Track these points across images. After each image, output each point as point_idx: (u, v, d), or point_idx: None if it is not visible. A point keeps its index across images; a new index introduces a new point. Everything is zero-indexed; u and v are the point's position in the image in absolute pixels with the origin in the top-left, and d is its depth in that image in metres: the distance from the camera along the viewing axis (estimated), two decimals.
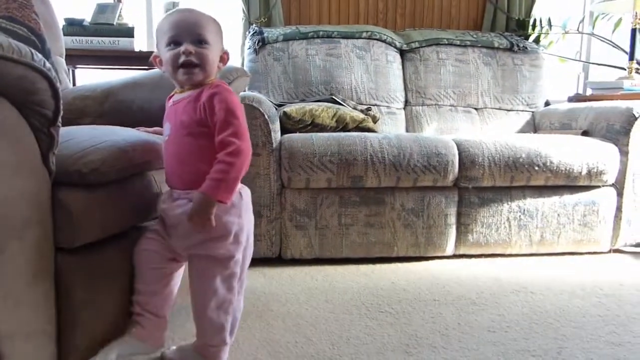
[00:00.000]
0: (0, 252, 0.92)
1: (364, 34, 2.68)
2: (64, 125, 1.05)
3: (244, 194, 1.13)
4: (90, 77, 2.88)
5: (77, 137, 1.18)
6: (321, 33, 2.65)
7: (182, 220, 1.05)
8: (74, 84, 2.80)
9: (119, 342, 1.11)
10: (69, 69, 2.74)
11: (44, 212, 1.00)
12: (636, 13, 2.69)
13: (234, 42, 2.91)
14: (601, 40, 3.15)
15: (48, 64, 0.97)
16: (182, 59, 1.06)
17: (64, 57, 1.99)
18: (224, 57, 1.15)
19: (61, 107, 1.00)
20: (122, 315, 1.17)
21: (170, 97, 1.17)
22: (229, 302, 1.12)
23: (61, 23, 2.48)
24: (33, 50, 0.94)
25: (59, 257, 1.03)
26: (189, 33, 1.07)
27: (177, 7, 2.61)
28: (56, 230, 1.02)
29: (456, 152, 1.96)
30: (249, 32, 2.71)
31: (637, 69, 2.98)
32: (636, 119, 2.04)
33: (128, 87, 1.75)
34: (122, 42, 2.52)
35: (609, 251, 2.14)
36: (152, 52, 1.72)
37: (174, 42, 1.07)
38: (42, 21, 1.76)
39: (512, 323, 1.46)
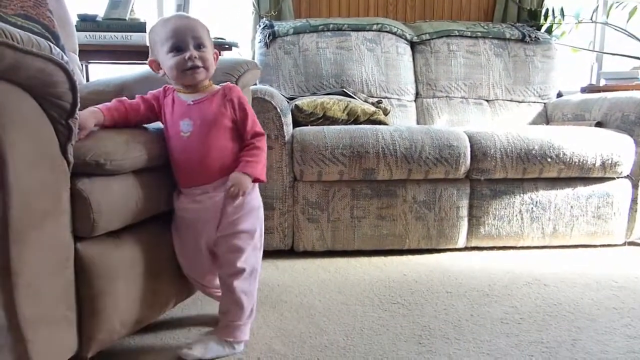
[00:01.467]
0: (21, 242, 0.94)
1: (374, 27, 2.67)
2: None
3: None
4: (104, 72, 2.90)
5: (94, 130, 1.19)
6: (331, 26, 2.65)
7: (217, 208, 1.19)
8: (87, 79, 2.83)
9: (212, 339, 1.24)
10: (82, 65, 2.76)
11: (63, 203, 1.02)
12: None
13: (244, 36, 2.92)
14: (615, 29, 3.11)
15: (66, 57, 0.99)
16: (189, 64, 1.17)
17: (77, 53, 2.00)
18: (216, 56, 1.27)
19: (78, 99, 1.01)
20: (140, 303, 1.19)
21: (170, 96, 1.24)
22: (257, 272, 1.26)
23: (74, 19, 2.50)
24: (51, 44, 0.95)
25: (78, 247, 1.05)
26: (189, 39, 1.18)
27: (187, 3, 2.62)
28: (75, 220, 1.04)
29: (468, 144, 1.96)
30: (260, 26, 2.71)
31: None
32: None
33: (140, 82, 1.75)
34: (134, 37, 2.53)
35: (624, 244, 2.13)
36: None
37: (177, 49, 1.18)
38: (56, 18, 1.78)
39: (525, 315, 1.46)
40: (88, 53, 2.53)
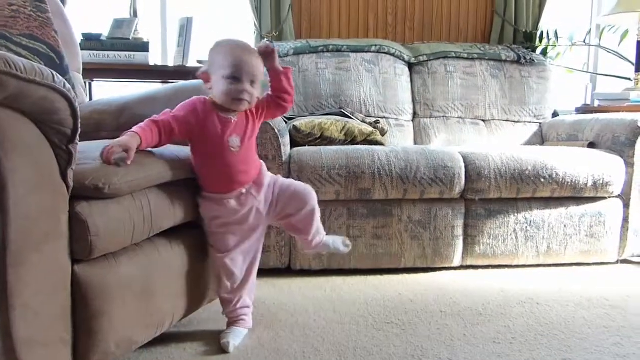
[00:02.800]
0: (20, 265, 0.97)
1: (373, 48, 2.72)
2: (81, 139, 1.10)
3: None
4: (107, 90, 2.95)
5: (95, 152, 1.23)
6: (331, 47, 2.70)
7: (267, 197, 1.43)
8: (90, 98, 2.88)
9: (233, 332, 1.42)
10: (86, 83, 2.82)
11: (62, 226, 1.05)
12: None
13: None
14: (608, 51, 3.17)
15: (68, 85, 1.03)
16: (241, 96, 1.30)
17: (81, 72, 2.05)
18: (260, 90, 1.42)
19: (79, 125, 1.05)
20: (136, 324, 1.21)
21: (212, 113, 1.35)
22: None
23: (79, 38, 2.56)
24: (54, 73, 0.99)
25: (75, 269, 1.08)
26: (247, 74, 1.30)
27: (190, 23, 2.68)
28: (73, 243, 1.07)
29: (462, 164, 1.99)
30: None
31: None
32: None
33: (143, 102, 1.80)
34: (137, 57, 2.59)
35: (617, 262, 2.15)
36: (166, 66, 1.90)
37: (234, 78, 1.29)
38: (61, 38, 1.83)
39: (518, 334, 1.48)
40: (92, 71, 2.58)
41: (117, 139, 1.22)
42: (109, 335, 1.14)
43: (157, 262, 1.27)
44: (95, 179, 1.10)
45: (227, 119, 1.33)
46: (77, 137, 1.06)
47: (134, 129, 1.27)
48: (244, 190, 1.38)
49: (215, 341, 1.41)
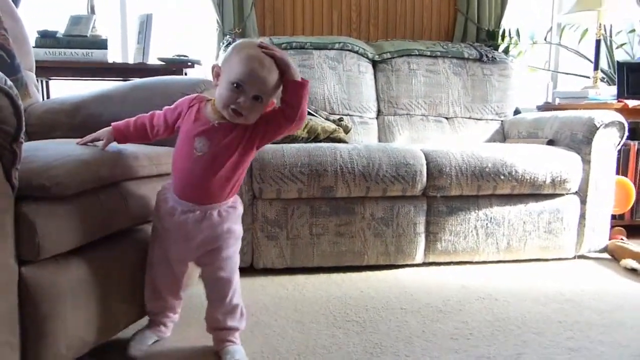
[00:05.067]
0: None
1: (337, 45, 2.72)
2: (35, 138, 1.07)
3: (240, 207, 1.33)
4: (65, 88, 2.87)
5: (43, 151, 1.19)
6: (294, 44, 2.68)
7: (207, 232, 1.24)
8: (48, 96, 2.80)
9: (144, 333, 1.37)
10: (43, 81, 2.74)
11: (7, 227, 1.01)
12: (600, 24, 2.78)
13: (208, 52, 2.93)
14: (568, 50, 3.24)
15: (9, 82, 0.99)
16: (236, 106, 1.16)
17: (34, 70, 1.99)
18: (269, 105, 1.22)
19: (23, 123, 1.01)
20: (88, 326, 1.18)
21: (196, 106, 1.26)
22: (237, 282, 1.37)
23: (34, 35, 2.48)
24: None
25: (23, 270, 1.04)
26: (253, 86, 1.15)
27: (150, 19, 2.62)
28: (20, 244, 1.04)
29: (424, 162, 2.01)
30: (223, 43, 2.73)
31: (602, 77, 3.07)
32: (597, 128, 2.11)
33: (98, 101, 1.76)
34: (95, 54, 2.52)
35: (574, 257, 2.20)
36: (126, 64, 1.81)
37: (238, 86, 1.15)
38: (11, 36, 1.77)
39: (475, 330, 1.50)
40: (49, 69, 2.51)
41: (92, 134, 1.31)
42: (59, 338, 1.10)
43: (110, 263, 1.24)
44: (42, 178, 1.07)
45: (208, 120, 1.21)
46: (22, 136, 1.02)
47: (118, 123, 1.31)
48: (189, 207, 1.23)
49: (170, 343, 1.38)
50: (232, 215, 1.27)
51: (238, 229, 1.30)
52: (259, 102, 1.17)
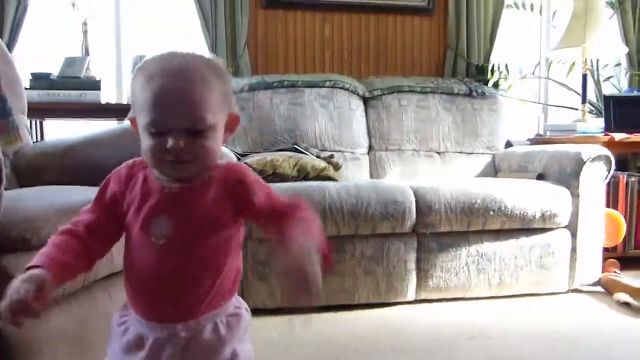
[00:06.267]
0: None
1: (327, 83, 2.76)
2: (25, 180, 1.07)
3: (246, 315, 0.85)
4: (60, 129, 2.91)
5: (25, 201, 1.20)
6: (286, 82, 2.72)
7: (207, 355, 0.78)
8: (42, 136, 2.82)
9: None
10: (36, 122, 2.77)
11: None
12: (585, 59, 2.83)
13: None
14: (557, 83, 3.29)
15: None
16: (169, 157, 0.73)
17: (25, 113, 2.02)
18: (231, 124, 0.81)
19: (4, 178, 1.03)
20: None
21: (140, 174, 0.80)
22: None
23: (27, 77, 2.53)
24: None
25: (1, 325, 1.04)
26: (178, 119, 0.72)
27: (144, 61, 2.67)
28: None
29: (413, 199, 2.01)
30: None
31: (591, 110, 3.11)
32: (584, 162, 2.13)
33: (87, 144, 1.78)
34: (88, 95, 2.56)
35: (567, 291, 2.19)
36: (120, 105, 1.60)
37: (155, 129, 0.72)
38: (4, 80, 1.80)
39: None
40: (43, 111, 2.54)
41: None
42: None
43: (92, 312, 1.24)
44: (22, 230, 1.08)
45: (160, 187, 0.78)
46: (2, 189, 1.03)
47: (38, 260, 0.73)
48: (177, 329, 0.77)
49: None
50: (235, 329, 0.80)
51: (246, 350, 0.81)
52: (204, 134, 0.73)
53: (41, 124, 2.84)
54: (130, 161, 0.84)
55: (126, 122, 1.88)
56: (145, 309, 0.79)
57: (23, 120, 1.99)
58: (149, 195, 0.78)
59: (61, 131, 2.86)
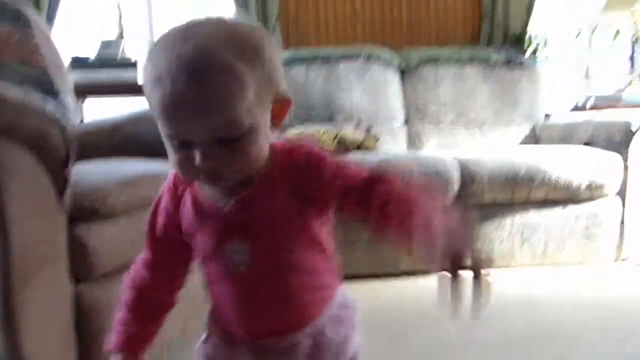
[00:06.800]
0: (23, 287, 0.98)
1: (362, 55, 2.74)
2: (76, 159, 1.12)
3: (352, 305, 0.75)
4: (101, 109, 2.97)
5: (89, 174, 1.24)
6: (320, 56, 2.71)
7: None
8: (82, 117, 2.89)
9: None
10: (77, 103, 2.83)
11: (60, 249, 1.06)
12: (635, 23, 2.73)
13: None
14: (601, 51, 3.19)
15: (59, 113, 1.05)
16: (202, 174, 0.58)
17: (72, 94, 2.06)
18: (280, 111, 0.61)
19: (72, 151, 1.06)
20: None
21: (187, 195, 0.66)
22: None
23: (67, 62, 2.58)
24: (44, 101, 1.01)
25: (77, 289, 1.10)
26: (200, 133, 0.55)
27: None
28: (74, 264, 1.09)
29: (456, 170, 2.00)
30: None
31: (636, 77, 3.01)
32: (634, 133, 2.07)
33: (134, 121, 1.82)
34: (125, 75, 2.61)
35: (614, 262, 2.16)
36: None
37: (175, 141, 0.57)
38: (49, 63, 1.84)
39: (513, 338, 1.49)
40: (82, 92, 2.60)
41: None
42: None
43: None
44: (91, 201, 1.12)
45: (216, 207, 0.64)
46: (71, 162, 1.07)
47: (118, 339, 0.71)
48: (279, 345, 0.67)
49: None
50: (348, 321, 0.72)
51: (357, 342, 0.73)
52: (238, 138, 0.56)
53: (81, 105, 2.91)
54: (169, 182, 0.69)
55: None
56: (244, 329, 0.68)
57: (70, 101, 2.04)
58: (207, 220, 0.64)
59: (101, 112, 2.93)
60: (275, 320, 0.67)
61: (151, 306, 0.72)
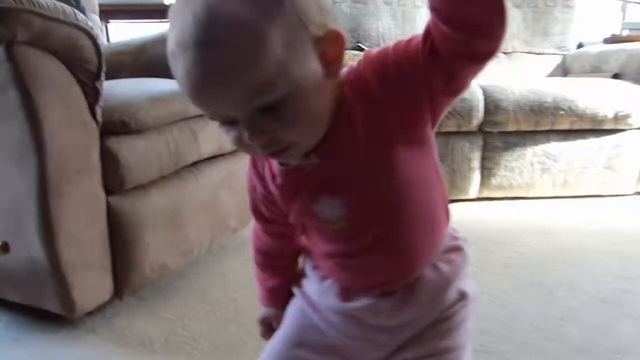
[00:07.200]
0: (59, 196, 1.05)
1: None
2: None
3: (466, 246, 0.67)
4: (124, 32, 2.97)
5: (119, 89, 1.28)
6: None
7: (418, 311, 0.62)
8: (107, 39, 2.90)
9: None
10: (102, 25, 2.83)
11: (94, 160, 1.12)
12: None
13: None
14: None
15: (90, 23, 1.06)
16: (258, 150, 0.52)
17: (97, 13, 2.07)
18: (330, 53, 0.50)
19: (104, 62, 1.09)
20: (166, 251, 1.30)
21: (266, 166, 0.62)
22: None
23: None
24: (76, 10, 1.02)
25: (110, 200, 1.16)
26: (231, 108, 0.48)
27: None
28: (106, 176, 1.14)
29: (481, 97, 1.98)
30: None
31: None
32: None
33: (160, 42, 1.82)
34: None
35: (634, 194, 2.16)
36: None
37: (220, 122, 0.52)
38: None
39: (528, 260, 1.53)
40: (107, 13, 2.59)
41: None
42: (143, 261, 1.23)
43: (184, 194, 1.35)
44: (121, 115, 1.16)
45: (296, 170, 0.58)
46: (103, 74, 1.10)
47: (261, 299, 0.76)
48: (391, 294, 0.62)
49: (240, 269, 1.50)
50: (458, 264, 0.64)
51: (472, 288, 0.66)
52: (279, 105, 0.47)
53: (106, 26, 2.91)
54: (249, 161, 0.65)
55: None
56: (358, 286, 0.63)
57: (96, 21, 2.05)
58: (293, 186, 0.59)
59: (125, 35, 2.93)
60: (386, 272, 0.61)
61: (278, 262, 0.73)
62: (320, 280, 0.66)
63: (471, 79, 0.52)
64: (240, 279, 1.44)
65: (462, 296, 0.63)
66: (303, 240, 0.69)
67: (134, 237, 1.21)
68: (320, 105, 0.51)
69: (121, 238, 1.19)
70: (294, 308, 0.69)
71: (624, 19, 3.14)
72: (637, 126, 2.07)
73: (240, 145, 0.51)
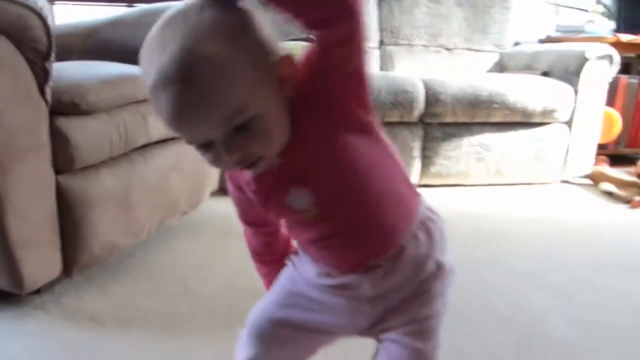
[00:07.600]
0: (8, 174, 1.07)
1: None
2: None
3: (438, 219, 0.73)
4: (69, 14, 2.90)
5: (69, 71, 1.29)
6: None
7: (399, 280, 0.67)
8: (53, 20, 2.83)
9: None
10: (49, 6, 2.76)
11: (42, 139, 1.14)
12: None
13: None
14: None
15: (40, 3, 1.08)
16: (234, 167, 0.59)
17: None
18: (285, 69, 0.56)
19: (53, 42, 1.11)
20: (116, 230, 1.33)
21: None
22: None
23: None
24: None
25: (59, 179, 1.18)
26: (207, 132, 0.54)
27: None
28: (55, 155, 1.16)
29: (422, 90, 2.10)
30: None
31: (605, 12, 3.09)
32: (587, 60, 2.19)
33: (110, 25, 1.83)
34: None
35: (559, 182, 2.35)
36: None
37: (198, 146, 0.57)
38: None
39: (457, 239, 1.62)
40: None
41: None
42: (92, 239, 1.25)
43: (133, 176, 1.38)
44: (71, 96, 1.18)
45: (260, 174, 0.63)
46: (52, 54, 1.12)
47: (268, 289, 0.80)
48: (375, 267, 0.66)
49: (190, 250, 1.54)
50: (434, 235, 0.69)
51: (450, 263, 0.70)
52: (249, 125, 0.54)
53: (51, 7, 2.84)
54: (227, 175, 0.72)
55: (143, 5, 1.91)
56: (334, 267, 0.68)
57: (43, 1, 2.02)
58: (264, 187, 0.65)
59: (71, 17, 2.87)
60: (366, 248, 0.66)
61: (273, 255, 0.79)
62: (310, 261, 0.71)
63: (357, 58, 0.57)
64: (190, 259, 1.49)
65: (440, 268, 0.68)
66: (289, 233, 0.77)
67: (83, 216, 1.23)
68: (283, 118, 0.57)
69: (70, 217, 1.21)
70: (285, 275, 0.76)
71: (557, 21, 3.35)
72: (562, 120, 2.25)
73: (218, 163, 0.57)
